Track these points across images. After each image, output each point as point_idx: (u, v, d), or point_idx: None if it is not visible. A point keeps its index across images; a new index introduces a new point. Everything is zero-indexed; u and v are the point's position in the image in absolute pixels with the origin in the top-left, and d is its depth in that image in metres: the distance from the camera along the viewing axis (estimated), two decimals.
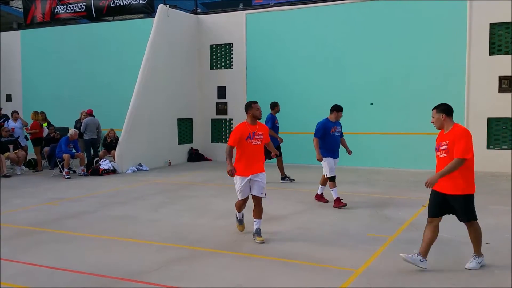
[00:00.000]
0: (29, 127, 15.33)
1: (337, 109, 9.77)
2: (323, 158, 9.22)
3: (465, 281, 5.29)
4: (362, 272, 5.55)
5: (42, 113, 16.34)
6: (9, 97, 21.01)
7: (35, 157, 15.47)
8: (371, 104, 15.48)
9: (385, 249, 6.48)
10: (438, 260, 6.01)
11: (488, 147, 14.13)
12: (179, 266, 5.90)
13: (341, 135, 9.86)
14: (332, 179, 9.17)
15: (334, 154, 9.42)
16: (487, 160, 13.92)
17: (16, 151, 14.39)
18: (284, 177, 12.52)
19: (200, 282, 5.30)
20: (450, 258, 6.10)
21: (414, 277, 5.40)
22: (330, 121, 9.63)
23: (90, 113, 15.60)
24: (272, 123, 12.24)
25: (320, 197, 9.73)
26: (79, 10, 19.34)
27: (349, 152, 9.83)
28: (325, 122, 9.59)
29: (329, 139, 9.37)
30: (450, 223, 7.85)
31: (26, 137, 15.64)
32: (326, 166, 9.17)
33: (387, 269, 5.66)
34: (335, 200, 9.17)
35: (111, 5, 18.45)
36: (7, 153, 14.11)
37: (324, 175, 9.37)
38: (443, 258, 6.10)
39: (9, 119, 15.60)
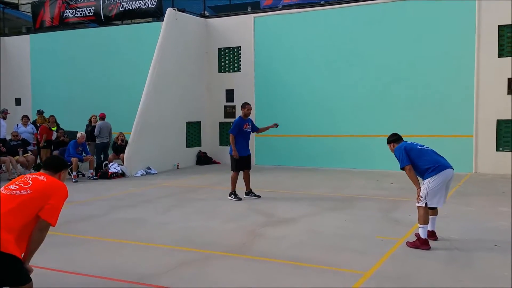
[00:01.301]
0: (38, 132, 15.41)
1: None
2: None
3: (476, 283, 5.26)
4: (372, 275, 5.53)
5: (52, 116, 16.43)
6: (18, 101, 21.17)
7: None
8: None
9: (394, 252, 6.46)
10: (448, 262, 5.98)
11: (497, 149, 14.05)
12: (189, 269, 5.91)
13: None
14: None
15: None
16: (497, 162, 13.87)
17: (26, 154, 14.49)
18: (249, 192, 10.66)
19: (210, 285, 5.31)
20: (460, 261, 6.06)
21: (424, 279, 5.38)
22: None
23: (102, 117, 15.71)
24: (239, 128, 10.28)
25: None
26: (88, 14, 19.46)
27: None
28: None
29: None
30: (459, 225, 7.83)
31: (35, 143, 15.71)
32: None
33: (397, 272, 5.64)
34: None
35: (120, 9, 18.55)
36: (16, 157, 14.22)
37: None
38: (453, 260, 6.07)
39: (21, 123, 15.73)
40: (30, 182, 4.01)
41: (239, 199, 10.32)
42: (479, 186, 11.94)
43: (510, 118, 13.86)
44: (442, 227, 7.69)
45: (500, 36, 13.92)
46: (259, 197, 10.53)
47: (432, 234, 6.86)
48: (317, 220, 8.50)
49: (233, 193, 10.40)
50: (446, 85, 14.52)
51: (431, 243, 6.67)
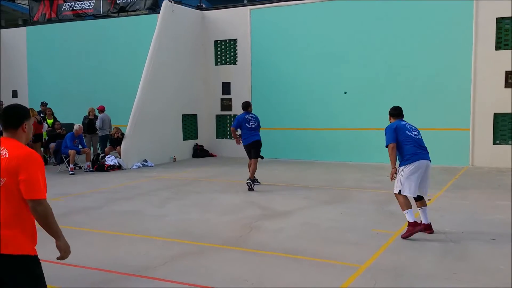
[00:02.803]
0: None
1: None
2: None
3: (470, 276, 5.28)
4: (367, 268, 5.55)
5: (49, 109, 16.38)
6: (15, 94, 21.09)
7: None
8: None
9: (390, 245, 6.48)
10: (443, 255, 6.00)
11: (494, 143, 14.07)
12: (185, 261, 5.92)
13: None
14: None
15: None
16: (494, 156, 13.90)
17: None
18: (253, 180, 10.80)
19: (206, 277, 5.32)
20: (455, 253, 6.08)
21: (419, 272, 5.40)
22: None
23: (102, 109, 15.70)
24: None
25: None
26: (87, 8, 19.37)
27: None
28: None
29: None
30: (454, 218, 7.85)
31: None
32: None
33: (392, 265, 5.66)
34: None
35: (117, 1, 18.48)
36: None
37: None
38: (448, 253, 6.09)
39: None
40: None
41: (251, 189, 10.52)
42: (475, 179, 11.97)
43: (507, 112, 13.88)
44: (438, 220, 7.72)
45: (498, 28, 13.90)
46: (259, 183, 11.07)
47: (427, 227, 6.87)
48: (313, 213, 8.51)
49: (252, 180, 10.75)
50: (443, 78, 14.51)
51: (428, 236, 6.70)
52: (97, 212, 8.78)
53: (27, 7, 21.66)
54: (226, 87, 17.68)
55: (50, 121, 16.02)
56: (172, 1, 16.46)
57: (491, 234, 6.86)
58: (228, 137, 17.85)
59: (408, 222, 6.68)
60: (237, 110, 17.49)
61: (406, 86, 14.96)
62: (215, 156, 17.66)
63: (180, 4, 17.04)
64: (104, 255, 6.22)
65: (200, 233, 7.20)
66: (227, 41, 17.76)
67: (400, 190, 6.72)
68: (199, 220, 8.06)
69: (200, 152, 17.48)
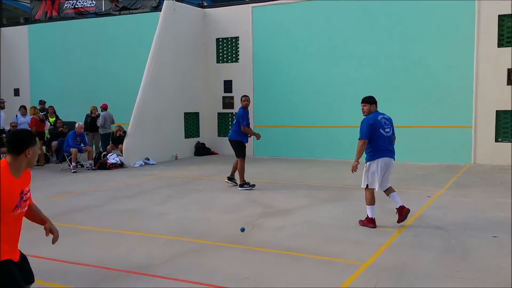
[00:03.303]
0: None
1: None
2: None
3: (472, 274, 5.27)
4: (369, 266, 5.54)
5: (51, 107, 16.40)
6: (17, 92, 21.11)
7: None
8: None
9: (392, 242, 6.47)
10: (445, 253, 5.99)
11: (496, 140, 14.04)
12: (186, 259, 5.92)
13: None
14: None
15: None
16: (496, 153, 13.88)
17: None
18: (243, 184, 10.51)
19: (208, 275, 5.32)
20: (456, 251, 6.07)
21: (421, 270, 5.39)
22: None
23: (105, 107, 15.72)
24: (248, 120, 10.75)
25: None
26: (89, 6, 19.38)
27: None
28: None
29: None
30: (456, 216, 7.84)
31: None
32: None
33: (394, 263, 5.65)
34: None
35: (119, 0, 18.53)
36: None
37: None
38: (450, 251, 6.08)
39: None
40: None
41: (253, 185, 10.43)
42: (477, 177, 11.94)
43: (509, 109, 13.85)
44: (440, 217, 7.72)
45: (500, 26, 13.86)
46: (236, 184, 10.78)
47: (401, 208, 7.15)
48: (314, 211, 8.50)
49: (246, 182, 10.46)
50: (445, 76, 14.48)
51: (430, 234, 6.68)
52: (99, 210, 8.79)
53: (29, 5, 21.66)
54: (227, 85, 17.67)
55: (52, 120, 16.04)
56: None
57: (493, 232, 6.85)
58: None
59: (367, 216, 7.17)
60: (238, 107, 17.45)
61: (408, 83, 14.93)
62: (217, 154, 17.66)
63: (181, 2, 17.02)
64: (106, 253, 6.22)
65: (202, 231, 7.20)
66: (229, 39, 17.74)
67: (367, 185, 7.15)
68: (200, 218, 8.06)
69: (202, 150, 17.48)
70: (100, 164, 14.07)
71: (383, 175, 7.11)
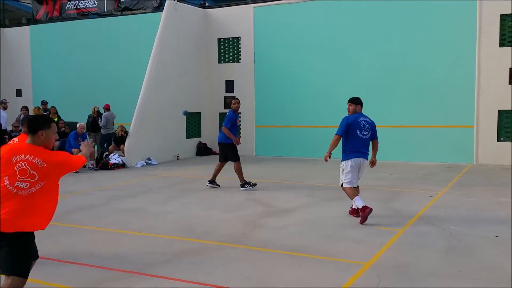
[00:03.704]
0: None
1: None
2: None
3: (475, 273, 5.26)
4: (372, 266, 5.53)
5: (53, 107, 16.40)
6: (19, 92, 21.14)
7: None
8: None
9: (394, 242, 6.46)
10: (448, 252, 5.99)
11: (498, 140, 14.02)
12: (188, 259, 5.92)
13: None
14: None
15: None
16: (498, 153, 13.86)
17: None
18: (244, 184, 10.48)
19: (209, 275, 5.32)
20: (459, 251, 6.06)
21: (424, 270, 5.38)
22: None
23: (107, 108, 15.74)
24: (233, 122, 10.61)
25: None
26: (91, 6, 19.41)
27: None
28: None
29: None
30: (459, 215, 7.83)
31: None
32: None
33: (397, 263, 5.64)
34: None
35: (121, 0, 18.54)
36: None
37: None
38: (452, 250, 6.07)
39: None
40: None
41: (255, 184, 10.39)
42: (479, 177, 11.92)
43: (511, 109, 13.82)
44: (442, 217, 7.71)
45: (501, 25, 13.84)
46: (218, 186, 10.77)
47: (355, 212, 7.68)
48: (316, 210, 8.50)
49: (246, 182, 10.41)
50: (447, 75, 14.46)
51: (433, 233, 6.67)
52: (101, 210, 8.80)
53: (31, 5, 21.69)
54: (229, 85, 17.67)
55: (54, 120, 16.05)
56: (176, 0, 16.46)
57: (496, 231, 6.83)
58: None
59: (358, 208, 7.40)
60: (240, 108, 17.36)
61: (410, 83, 14.92)
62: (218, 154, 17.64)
63: (183, 2, 17.03)
64: (107, 252, 6.22)
65: (203, 230, 7.20)
66: (230, 39, 17.74)
67: (342, 184, 7.67)
68: (202, 217, 8.06)
69: (203, 150, 17.49)
70: (102, 164, 14.09)
71: (356, 173, 7.59)
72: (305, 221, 7.68)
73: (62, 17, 20.11)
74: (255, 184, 10.46)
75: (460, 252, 6.01)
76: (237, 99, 10.99)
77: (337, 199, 9.37)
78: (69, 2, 19.89)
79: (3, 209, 3.75)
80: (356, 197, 7.41)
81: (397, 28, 15.03)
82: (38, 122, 3.99)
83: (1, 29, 21.34)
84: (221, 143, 10.63)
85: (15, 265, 3.79)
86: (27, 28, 20.94)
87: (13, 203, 3.76)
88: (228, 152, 10.53)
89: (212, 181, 10.80)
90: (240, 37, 17.47)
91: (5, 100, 16.25)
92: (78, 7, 19.71)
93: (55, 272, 5.51)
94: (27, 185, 3.79)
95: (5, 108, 15.78)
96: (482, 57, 14.00)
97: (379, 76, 15.29)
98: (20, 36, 20.92)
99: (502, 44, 13.88)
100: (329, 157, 7.74)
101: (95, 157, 14.54)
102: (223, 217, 8.05)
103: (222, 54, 17.98)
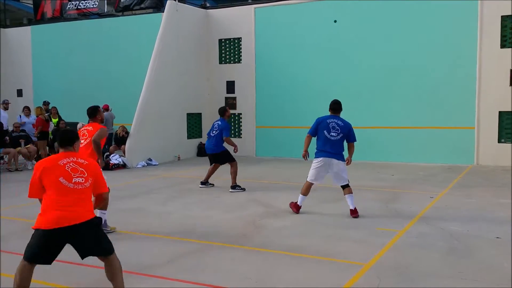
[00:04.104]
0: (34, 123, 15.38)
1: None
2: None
3: (475, 275, 5.26)
4: (372, 266, 5.54)
5: (54, 108, 16.41)
6: (20, 93, 21.16)
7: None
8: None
9: (395, 243, 6.46)
10: (448, 253, 5.99)
11: (499, 141, 14.01)
12: (188, 259, 5.93)
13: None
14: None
15: None
16: (499, 154, 13.85)
17: (28, 146, 14.51)
18: (235, 186, 10.49)
19: (210, 275, 5.32)
20: (460, 251, 6.06)
21: (424, 270, 5.38)
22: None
23: (106, 108, 15.74)
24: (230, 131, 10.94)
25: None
26: (91, 7, 19.43)
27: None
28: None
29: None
30: (459, 216, 7.83)
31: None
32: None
33: (397, 263, 5.64)
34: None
35: (121, 0, 18.55)
36: (18, 148, 14.23)
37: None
38: (453, 251, 6.07)
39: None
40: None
41: (243, 189, 10.39)
42: (480, 178, 11.92)
43: (511, 110, 13.81)
44: (443, 218, 7.71)
45: (502, 26, 13.83)
46: (212, 185, 10.95)
47: (352, 212, 7.89)
48: (317, 211, 8.50)
49: (237, 185, 10.44)
50: (447, 76, 14.46)
51: (433, 234, 6.67)
52: None
53: (32, 6, 21.73)
54: (230, 86, 17.68)
55: (55, 120, 16.05)
56: (177, 0, 16.47)
57: (496, 232, 6.83)
58: (233, 135, 17.86)
59: (296, 201, 8.18)
60: (241, 108, 17.54)
61: (411, 84, 14.91)
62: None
63: (184, 3, 17.04)
64: None
65: (204, 231, 7.21)
66: (231, 39, 17.75)
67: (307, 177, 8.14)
68: (202, 218, 8.07)
69: (204, 151, 17.44)
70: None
71: (326, 172, 8.06)
72: (305, 222, 7.68)
73: (63, 17, 20.12)
74: (244, 189, 10.41)
75: (461, 253, 6.01)
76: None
77: (337, 200, 9.37)
78: (69, 3, 19.91)
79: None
80: (302, 196, 8.12)
81: (398, 28, 15.03)
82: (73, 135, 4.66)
83: (2, 29, 21.38)
84: (217, 153, 10.61)
85: (109, 243, 4.46)
86: (28, 29, 20.97)
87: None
88: (224, 157, 10.61)
89: (205, 182, 10.89)
90: (241, 37, 17.48)
91: (6, 100, 16.26)
92: (78, 7, 19.74)
93: (56, 273, 5.51)
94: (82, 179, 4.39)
95: (6, 109, 15.79)
96: (483, 58, 13.99)
97: (380, 76, 15.29)
98: (21, 36, 20.94)
99: (503, 45, 13.87)
100: (307, 156, 8.20)
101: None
102: (223, 218, 8.05)
103: (223, 55, 17.99)
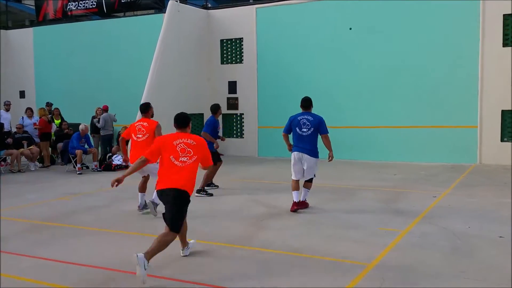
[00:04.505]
0: (37, 123, 15.42)
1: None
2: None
3: (478, 274, 5.25)
4: (375, 266, 5.53)
5: (56, 109, 16.45)
6: (22, 94, 21.20)
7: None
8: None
9: (398, 243, 6.45)
10: (451, 253, 5.97)
11: (502, 140, 13.98)
12: (191, 260, 5.93)
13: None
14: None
15: None
16: (501, 153, 13.81)
17: (30, 147, 14.54)
18: (201, 190, 10.08)
19: (212, 276, 5.32)
20: (463, 251, 6.05)
21: (427, 270, 5.37)
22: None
23: (105, 109, 15.74)
24: (213, 128, 10.69)
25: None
26: (91, 7, 19.45)
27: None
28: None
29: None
30: (462, 216, 7.81)
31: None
32: None
33: (399, 263, 5.63)
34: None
35: (122, 1, 18.53)
36: (21, 149, 14.26)
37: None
38: (456, 251, 6.06)
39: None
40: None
41: (211, 194, 10.07)
42: (483, 177, 11.89)
43: None
44: (446, 217, 7.70)
45: (505, 25, 13.80)
46: (217, 187, 10.76)
47: (296, 204, 8.27)
48: (318, 211, 8.49)
49: (204, 190, 10.11)
50: (449, 75, 14.43)
51: (436, 234, 6.67)
52: (104, 211, 8.81)
53: (34, 7, 21.77)
54: (232, 86, 17.68)
55: (57, 121, 16.09)
56: (178, 1, 16.47)
57: (499, 232, 6.82)
58: (234, 136, 17.88)
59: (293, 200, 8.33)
60: (243, 109, 17.54)
61: (413, 83, 14.89)
62: (222, 155, 17.60)
63: (185, 3, 17.05)
64: (110, 253, 6.23)
65: (206, 231, 7.21)
66: (233, 40, 17.75)
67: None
68: (204, 218, 8.06)
69: None
70: (105, 166, 14.11)
71: (300, 166, 8.32)
72: (308, 222, 7.67)
73: (65, 18, 20.13)
74: (211, 194, 10.10)
75: (464, 253, 6.00)
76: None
77: (340, 200, 9.37)
78: (70, 3, 19.92)
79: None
80: (293, 191, 8.32)
81: (400, 28, 15.00)
82: (187, 117, 6.00)
83: (5, 31, 21.42)
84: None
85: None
86: (30, 30, 21.00)
87: None
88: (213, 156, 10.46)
89: (209, 184, 10.59)
90: (242, 38, 17.48)
91: (7, 101, 16.29)
92: (79, 8, 19.74)
93: (58, 273, 5.52)
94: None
95: (7, 110, 15.82)
96: (485, 57, 13.96)
97: (383, 76, 15.26)
98: (23, 38, 20.98)
99: (505, 44, 13.84)
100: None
101: (98, 158, 14.57)
102: (225, 218, 8.05)
103: (225, 55, 17.99)
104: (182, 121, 5.82)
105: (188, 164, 5.44)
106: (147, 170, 8.29)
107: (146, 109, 8.81)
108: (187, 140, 5.60)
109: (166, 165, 5.46)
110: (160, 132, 8.41)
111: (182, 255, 6.02)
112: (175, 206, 5.48)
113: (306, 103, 8.54)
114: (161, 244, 5.30)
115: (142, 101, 15.29)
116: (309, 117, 8.37)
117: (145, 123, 8.47)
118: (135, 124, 8.53)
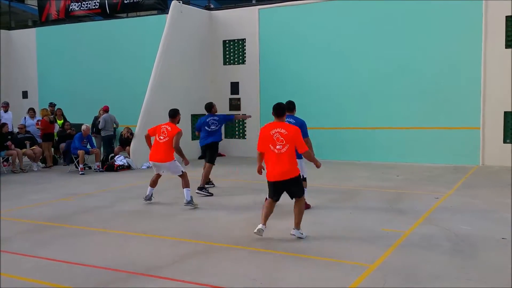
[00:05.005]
0: (39, 123, 15.44)
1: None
2: None
3: (481, 275, 5.24)
4: (377, 268, 5.52)
5: (59, 109, 16.47)
6: (25, 94, 21.25)
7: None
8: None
9: (400, 244, 6.44)
10: (454, 254, 5.96)
11: (504, 141, 13.95)
12: (193, 261, 5.93)
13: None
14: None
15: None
16: (504, 155, 13.79)
17: (33, 147, 14.56)
18: (202, 188, 10.42)
19: (214, 277, 5.32)
20: (466, 252, 6.04)
21: (430, 271, 5.36)
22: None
23: (106, 110, 15.75)
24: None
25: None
26: (93, 7, 19.48)
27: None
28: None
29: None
30: (465, 217, 7.80)
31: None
32: None
33: (402, 265, 5.62)
34: None
35: (125, 1, 18.55)
36: (24, 150, 14.29)
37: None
38: (458, 252, 6.05)
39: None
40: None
41: (211, 194, 10.23)
42: (486, 178, 11.87)
43: None
44: (448, 219, 7.68)
45: (507, 27, 13.77)
46: (214, 185, 10.95)
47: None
48: (321, 212, 8.49)
49: (205, 188, 10.31)
50: (452, 77, 14.41)
51: (438, 235, 6.63)
52: (106, 211, 8.82)
53: (37, 8, 21.82)
54: (234, 87, 17.69)
55: (60, 122, 16.11)
56: (181, 2, 16.50)
57: (502, 233, 6.80)
58: (237, 136, 17.88)
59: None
60: (245, 109, 17.53)
61: (416, 84, 14.87)
62: (224, 155, 17.65)
63: (188, 4, 17.07)
64: (113, 254, 6.24)
65: (209, 232, 7.21)
66: (236, 41, 17.76)
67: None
68: (207, 219, 8.07)
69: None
70: (108, 166, 14.12)
71: None
72: (310, 223, 7.66)
73: (67, 18, 20.16)
74: (211, 194, 10.24)
75: (466, 254, 5.99)
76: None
77: (342, 201, 9.37)
78: (73, 4, 19.96)
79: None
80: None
81: (403, 29, 14.99)
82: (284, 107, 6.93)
83: (8, 31, 21.47)
84: (216, 142, 10.80)
85: (302, 190, 6.88)
86: (33, 31, 21.05)
87: None
88: (211, 151, 10.68)
89: (208, 182, 10.77)
90: (245, 38, 17.49)
91: (5, 102, 16.31)
92: (82, 8, 19.78)
93: (61, 273, 5.53)
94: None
95: (6, 111, 15.85)
96: (488, 59, 13.93)
97: (385, 77, 15.24)
98: (26, 38, 21.03)
99: (508, 45, 13.81)
100: None
101: (101, 158, 14.58)
102: (228, 219, 8.05)
103: (227, 56, 18.00)
104: (278, 110, 6.67)
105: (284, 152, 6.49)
106: (167, 169, 9.13)
107: (174, 114, 9.42)
108: (281, 129, 6.45)
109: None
110: (179, 139, 8.95)
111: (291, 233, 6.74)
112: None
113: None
114: (302, 211, 6.75)
115: (145, 101, 15.35)
116: (291, 120, 8.53)
117: (169, 127, 9.05)
118: (161, 126, 9.14)
